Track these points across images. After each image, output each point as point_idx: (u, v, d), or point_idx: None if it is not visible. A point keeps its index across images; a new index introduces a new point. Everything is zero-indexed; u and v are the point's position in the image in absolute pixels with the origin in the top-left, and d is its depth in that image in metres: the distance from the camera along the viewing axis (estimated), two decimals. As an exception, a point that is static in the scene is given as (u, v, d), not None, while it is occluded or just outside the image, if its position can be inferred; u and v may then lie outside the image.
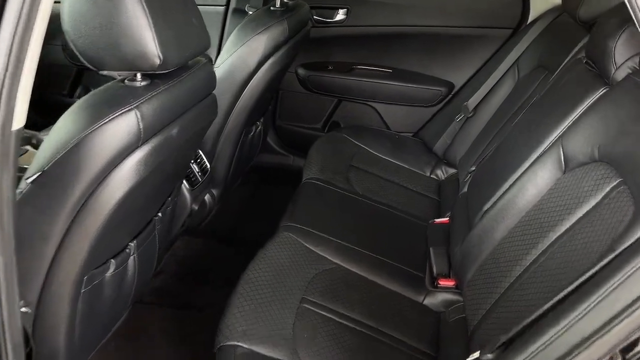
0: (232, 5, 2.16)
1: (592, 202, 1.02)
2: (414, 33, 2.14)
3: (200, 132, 1.25)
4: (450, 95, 2.16)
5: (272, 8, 1.67)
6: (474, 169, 1.64)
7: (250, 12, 2.02)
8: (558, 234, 1.07)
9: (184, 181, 1.54)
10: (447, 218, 1.68)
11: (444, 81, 2.17)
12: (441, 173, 2.05)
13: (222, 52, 1.61)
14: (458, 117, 2.02)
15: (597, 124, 1.12)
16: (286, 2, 1.77)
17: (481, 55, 2.09)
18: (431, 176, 2.04)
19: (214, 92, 1.33)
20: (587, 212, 1.02)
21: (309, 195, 1.65)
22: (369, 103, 2.27)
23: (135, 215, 1.13)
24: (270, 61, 1.61)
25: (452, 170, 2.03)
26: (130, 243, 1.17)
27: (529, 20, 1.97)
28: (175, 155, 1.12)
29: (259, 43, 1.56)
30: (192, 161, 1.60)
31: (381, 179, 1.89)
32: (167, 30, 0.95)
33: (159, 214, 1.28)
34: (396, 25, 2.13)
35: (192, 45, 1.05)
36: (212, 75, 1.21)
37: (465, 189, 1.62)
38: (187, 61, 1.06)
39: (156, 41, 0.92)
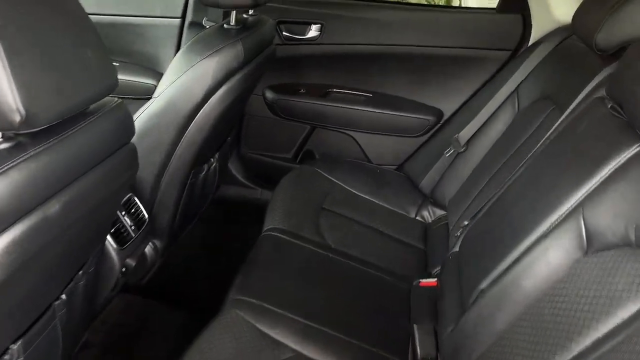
0: (189, 18, 1.87)
1: (631, 309, 0.75)
2: (398, 53, 1.86)
3: (115, 191, 0.96)
4: (439, 125, 1.89)
5: (225, 26, 1.39)
6: (467, 223, 1.36)
7: (208, 27, 1.73)
8: (582, 346, 0.79)
9: (110, 239, 1.24)
10: (435, 280, 1.41)
11: (432, 108, 1.90)
12: (428, 214, 1.78)
13: (162, 79, 1.33)
14: (448, 152, 1.74)
15: (631, 193, 0.85)
16: (245, 18, 1.48)
17: (474, 80, 1.82)
18: (417, 218, 1.76)
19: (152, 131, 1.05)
20: (623, 324, 0.75)
21: (267, 254, 1.37)
22: (346, 131, 1.99)
23: (13, 313, 0.83)
24: (222, 90, 1.32)
25: (440, 212, 1.76)
26: (12, 345, 0.87)
27: (530, 42, 1.70)
28: (70, 234, 0.83)
29: (206, 69, 1.28)
30: (124, 212, 1.31)
31: (358, 225, 1.61)
32: (35, 74, 0.66)
33: (63, 297, 0.99)
34: (378, 44, 1.85)
35: (84, 88, 0.76)
36: (126, 120, 0.92)
37: (457, 248, 1.34)
38: (78, 110, 0.77)
39: (15, 91, 0.63)
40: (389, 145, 1.96)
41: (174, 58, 1.32)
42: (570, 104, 1.26)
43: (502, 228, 1.13)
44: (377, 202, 1.76)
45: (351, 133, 1.98)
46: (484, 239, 1.19)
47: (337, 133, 2.00)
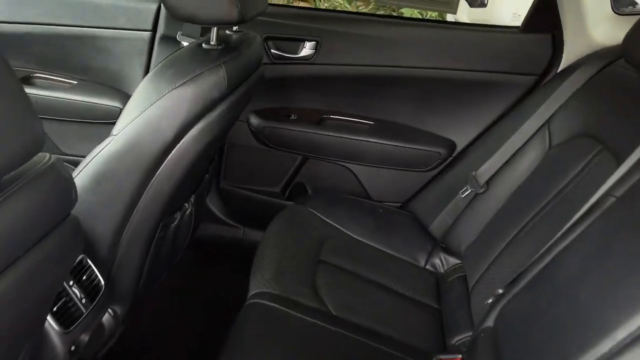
0: (160, 31, 1.59)
1: None
2: (405, 76, 1.61)
3: (48, 286, 0.69)
4: (451, 158, 1.65)
5: (204, 45, 1.12)
6: (501, 291, 1.11)
7: (184, 44, 1.46)
8: None
9: (52, 321, 0.96)
10: (459, 357, 1.15)
11: (444, 139, 1.65)
12: (439, 263, 1.53)
13: (124, 112, 1.05)
14: (464, 191, 1.50)
15: None
16: (228, 35, 1.22)
17: (493, 108, 1.58)
18: (427, 267, 1.52)
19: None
20: None
21: (253, 331, 1.09)
22: (343, 164, 1.73)
23: None
24: (198, 127, 1.05)
25: (454, 261, 1.52)
26: None
27: (562, 66, 1.47)
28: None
29: (178, 101, 1.01)
30: (72, 282, 1.03)
31: (362, 281, 1.36)
32: None
33: None
34: (382, 65, 1.59)
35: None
36: (61, 186, 0.65)
37: (491, 323, 1.09)
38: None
39: None
40: (392, 180, 1.71)
41: (138, 86, 1.05)
42: (631, 150, 1.02)
43: (561, 314, 0.88)
44: (381, 248, 1.52)
45: (349, 165, 1.73)
46: (534, 322, 0.94)
47: (332, 164, 1.74)
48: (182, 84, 1.01)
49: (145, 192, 1.07)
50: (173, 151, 1.05)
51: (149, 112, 1.01)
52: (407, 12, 3.45)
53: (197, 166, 1.17)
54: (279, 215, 1.50)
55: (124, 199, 1.07)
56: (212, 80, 1.04)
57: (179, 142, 1.04)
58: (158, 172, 1.06)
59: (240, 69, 1.14)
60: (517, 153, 1.41)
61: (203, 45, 1.12)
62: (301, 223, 1.50)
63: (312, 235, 1.46)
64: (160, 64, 1.07)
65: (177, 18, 1.04)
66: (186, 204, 1.31)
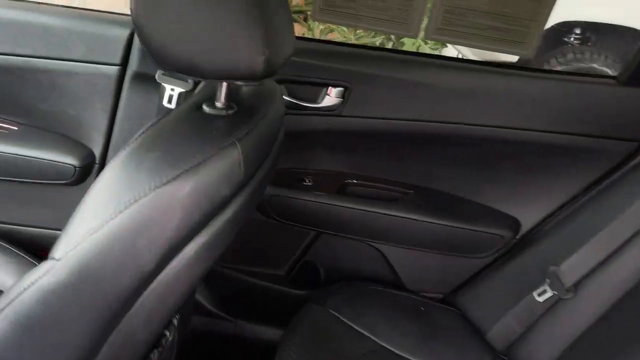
0: (133, 66, 1.18)
1: None
2: (459, 134, 1.22)
3: None
4: (515, 240, 1.27)
5: (206, 109, 0.71)
6: None
7: (167, 87, 1.06)
8: None
9: None
10: None
11: (506, 217, 1.28)
12: (504, 386, 1.16)
13: (72, 223, 0.63)
14: (541, 293, 1.12)
15: None
16: (238, 87, 0.82)
17: (575, 181, 1.22)
18: (487, 392, 1.14)
19: None
20: None
21: None
22: (369, 242, 1.34)
23: None
24: (195, 244, 0.65)
25: (523, 383, 1.15)
26: None
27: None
28: None
29: (168, 207, 0.60)
30: None
31: None
32: None
33: None
34: (427, 120, 1.20)
35: None
36: None
37: None
38: None
39: None
40: (434, 266, 1.32)
41: (101, 176, 0.64)
42: None
43: None
44: (429, 367, 1.13)
45: (377, 245, 1.34)
46: None
47: (353, 240, 1.34)
48: (173, 178, 0.60)
49: (107, 344, 0.66)
50: (153, 284, 0.64)
51: (118, 223, 0.60)
52: (408, 42, 3.08)
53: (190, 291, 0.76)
54: (291, 328, 1.10)
55: (69, 355, 0.65)
56: (222, 169, 0.64)
57: (162, 271, 0.64)
58: (128, 315, 0.65)
59: (262, 145, 0.74)
60: (624, 249, 1.05)
61: (204, 107, 0.71)
62: (321, 337, 1.10)
63: (339, 355, 1.07)
64: (137, 141, 0.65)
65: (170, 68, 0.63)
66: (167, 332, 0.89)
